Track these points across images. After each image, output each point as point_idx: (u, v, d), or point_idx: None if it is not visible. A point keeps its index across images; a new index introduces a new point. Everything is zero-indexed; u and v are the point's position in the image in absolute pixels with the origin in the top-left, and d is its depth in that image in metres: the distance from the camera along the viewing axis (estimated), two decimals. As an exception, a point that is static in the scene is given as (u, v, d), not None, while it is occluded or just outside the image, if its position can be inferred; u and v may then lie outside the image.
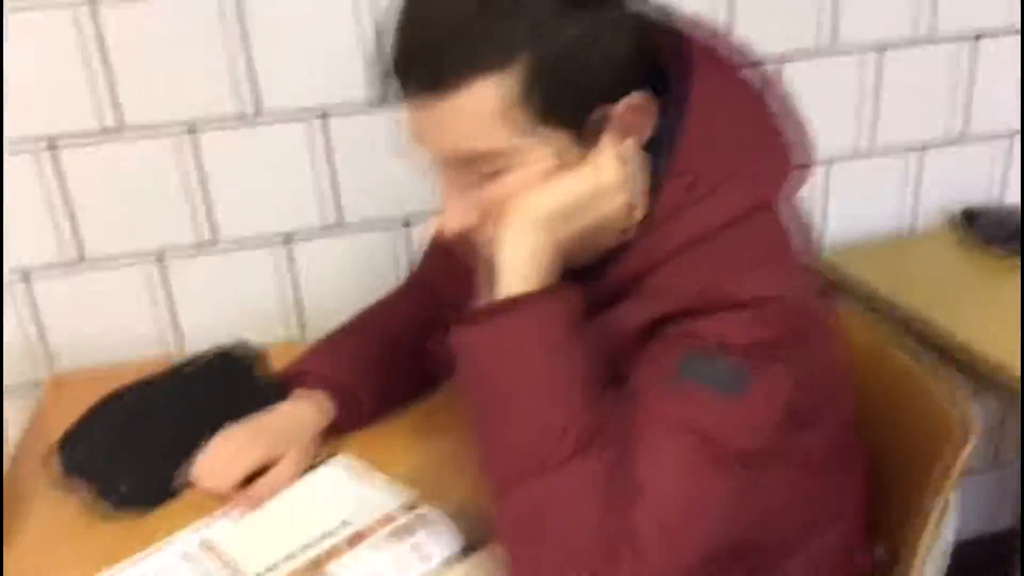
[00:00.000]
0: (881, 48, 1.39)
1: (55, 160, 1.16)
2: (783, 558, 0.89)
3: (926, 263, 1.41)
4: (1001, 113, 1.49)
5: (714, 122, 0.73)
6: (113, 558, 0.85)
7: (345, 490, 0.93)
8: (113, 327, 1.25)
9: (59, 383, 1.20)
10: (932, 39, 1.40)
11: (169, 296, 1.26)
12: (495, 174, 0.70)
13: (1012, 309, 1.21)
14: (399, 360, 1.06)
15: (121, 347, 1.26)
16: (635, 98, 0.70)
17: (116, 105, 1.15)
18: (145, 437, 0.96)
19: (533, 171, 0.69)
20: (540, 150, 0.69)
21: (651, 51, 0.71)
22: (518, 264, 0.69)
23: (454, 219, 0.73)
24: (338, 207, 1.27)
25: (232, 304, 1.28)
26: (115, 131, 1.16)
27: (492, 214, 0.72)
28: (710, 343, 0.71)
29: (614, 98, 0.69)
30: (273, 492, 0.93)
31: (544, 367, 0.68)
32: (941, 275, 1.38)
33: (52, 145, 1.15)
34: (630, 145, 0.72)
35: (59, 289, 1.22)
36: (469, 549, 0.83)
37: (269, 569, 0.83)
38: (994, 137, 1.50)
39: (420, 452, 1.00)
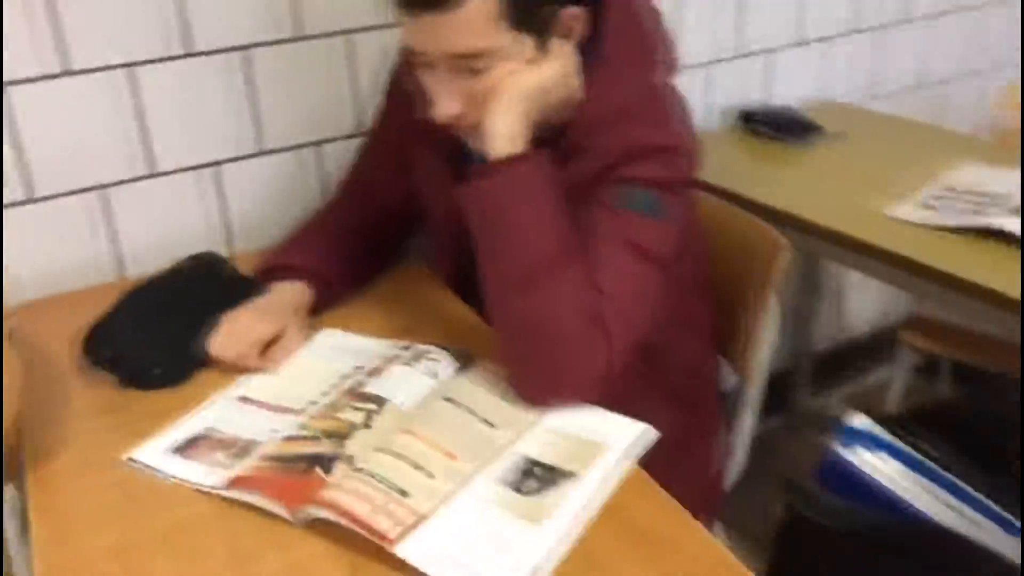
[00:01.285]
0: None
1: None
2: (663, 354, 1.22)
3: (722, 152, 1.80)
4: (766, 32, 1.91)
5: (624, 26, 1.03)
6: (159, 422, 1.03)
7: (346, 347, 1.16)
8: (59, 259, 1.37)
9: (21, 312, 1.30)
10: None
11: (111, 226, 1.39)
12: (481, 70, 0.96)
13: (792, 182, 1.63)
14: (355, 248, 1.29)
15: (67, 278, 1.37)
16: (573, 10, 0.98)
17: (63, 51, 1.26)
18: (161, 327, 1.13)
19: (512, 64, 0.96)
20: (515, 48, 0.96)
21: None
22: (510, 130, 0.96)
23: (448, 107, 0.98)
24: (259, 135, 1.45)
25: (167, 230, 1.43)
26: (62, 75, 1.28)
27: (479, 101, 0.98)
28: (636, 181, 1.01)
29: (560, 10, 0.97)
30: (287, 356, 1.13)
31: (543, 200, 0.96)
32: (737, 160, 1.77)
33: (-2, 90, 1.25)
34: (570, 45, 1.00)
35: (7, 224, 1.31)
36: (463, 368, 1.09)
37: (312, 403, 1.04)
38: (763, 52, 1.92)
39: (389, 321, 1.23)
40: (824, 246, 1.50)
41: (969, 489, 0.82)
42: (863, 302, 2.36)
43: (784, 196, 1.54)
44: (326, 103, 1.48)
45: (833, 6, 1.97)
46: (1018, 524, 0.79)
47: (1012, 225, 1.30)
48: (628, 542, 0.84)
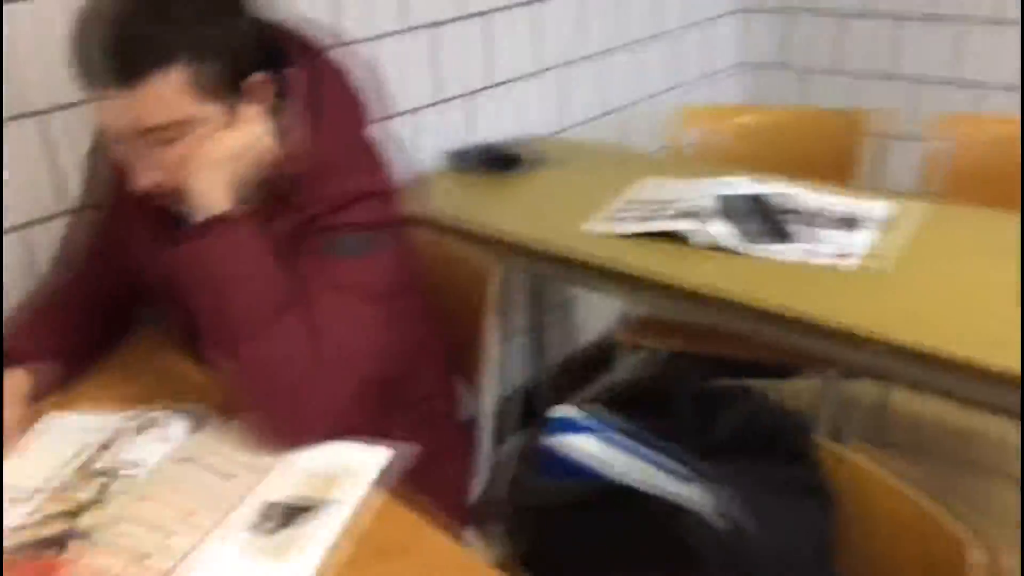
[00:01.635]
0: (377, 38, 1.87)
1: None
2: (400, 384, 1.31)
3: (436, 190, 1.93)
4: (464, 81, 2.07)
5: (318, 89, 1.11)
6: None
7: (73, 427, 1.14)
8: None
9: None
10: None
11: None
12: (174, 139, 1.00)
13: (501, 210, 1.79)
14: (75, 326, 1.26)
15: None
16: (258, 77, 1.05)
17: None
18: None
19: (204, 132, 1.01)
20: (206, 117, 1.00)
21: (269, 43, 1.06)
22: (210, 193, 1.01)
23: (147, 177, 1.01)
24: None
25: None
26: None
27: (176, 169, 1.02)
28: (342, 227, 1.09)
29: (246, 78, 1.03)
30: (7, 448, 1.10)
31: (252, 255, 1.01)
32: (450, 196, 1.90)
33: None
34: (262, 109, 1.06)
35: None
36: (198, 428, 1.11)
37: (39, 490, 1.02)
38: (461, 97, 2.08)
39: (122, 392, 1.21)
40: (535, 264, 1.66)
41: (651, 451, 0.96)
42: (589, 310, 2.59)
43: (495, 223, 1.69)
44: (24, 186, 1.44)
45: (517, 50, 2.18)
46: (687, 473, 0.95)
47: (676, 225, 1.52)
48: (373, 559, 0.91)
